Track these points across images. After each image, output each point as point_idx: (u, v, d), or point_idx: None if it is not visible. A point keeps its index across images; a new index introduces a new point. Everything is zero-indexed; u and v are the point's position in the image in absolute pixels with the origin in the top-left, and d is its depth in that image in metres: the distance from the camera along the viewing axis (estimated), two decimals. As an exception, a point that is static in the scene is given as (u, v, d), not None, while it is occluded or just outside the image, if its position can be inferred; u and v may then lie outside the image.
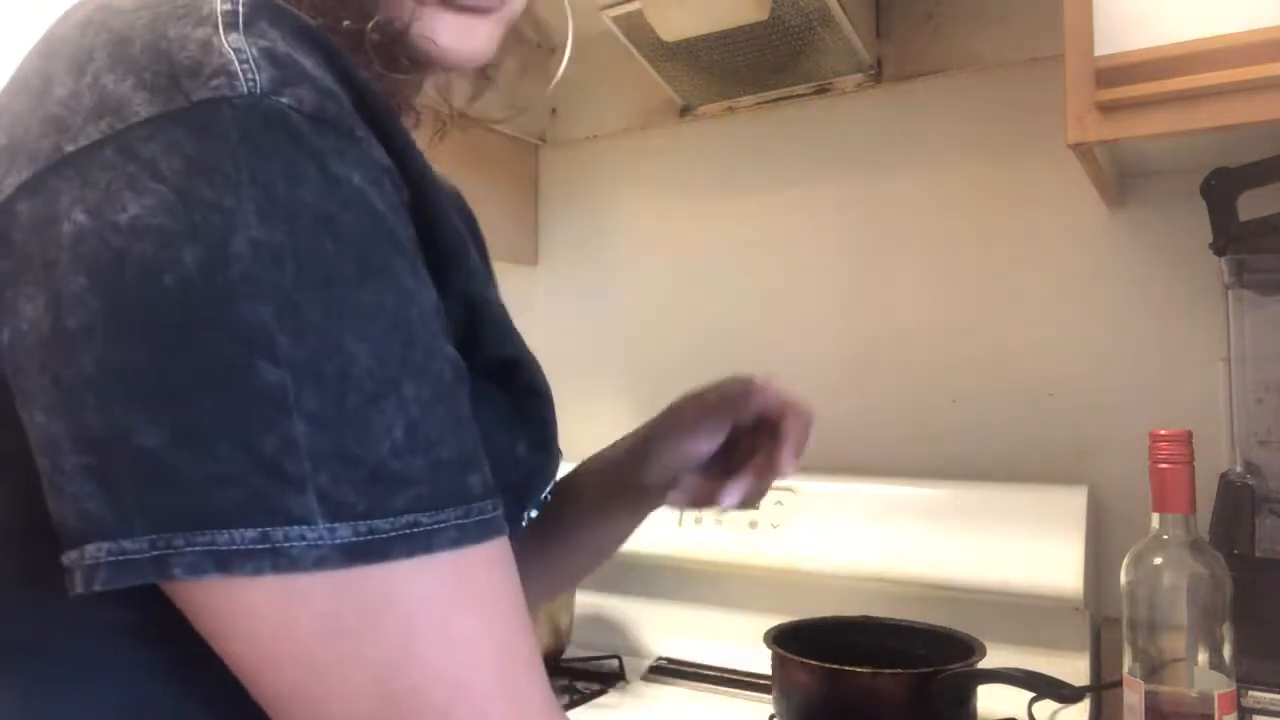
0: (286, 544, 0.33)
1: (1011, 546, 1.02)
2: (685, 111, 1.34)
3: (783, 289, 1.30)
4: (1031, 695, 0.88)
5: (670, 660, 1.18)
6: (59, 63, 0.37)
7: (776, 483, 0.67)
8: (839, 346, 1.25)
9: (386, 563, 0.34)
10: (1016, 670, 0.85)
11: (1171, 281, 1.06)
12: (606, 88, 1.40)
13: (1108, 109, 0.78)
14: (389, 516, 0.34)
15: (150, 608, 0.37)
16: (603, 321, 1.44)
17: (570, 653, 1.19)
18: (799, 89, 1.25)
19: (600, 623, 1.26)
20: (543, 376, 0.51)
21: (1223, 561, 0.72)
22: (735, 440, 0.69)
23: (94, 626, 0.39)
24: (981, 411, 1.16)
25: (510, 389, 0.47)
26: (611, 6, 1.09)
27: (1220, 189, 0.89)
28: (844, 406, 1.24)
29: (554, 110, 1.47)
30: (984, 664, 0.86)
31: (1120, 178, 1.07)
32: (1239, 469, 0.87)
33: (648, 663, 1.18)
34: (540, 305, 1.49)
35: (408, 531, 0.35)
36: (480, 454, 0.38)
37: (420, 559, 0.35)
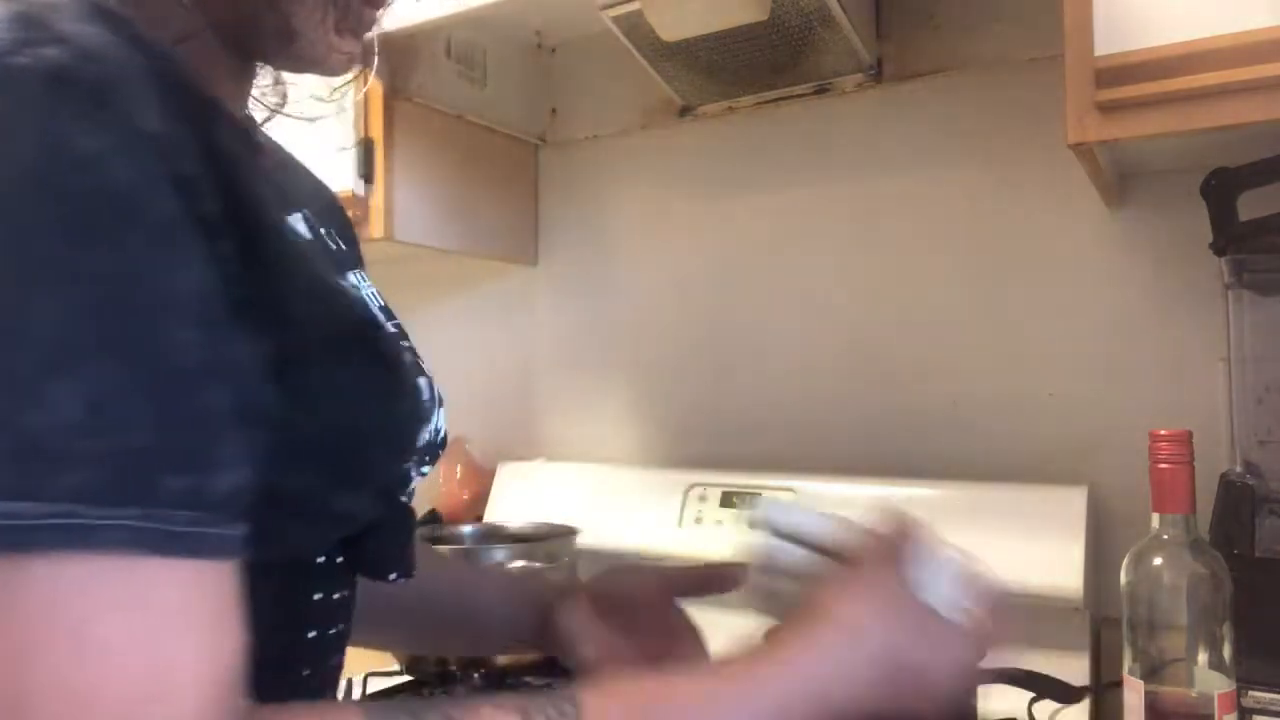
0: None
1: (1011, 546, 1.02)
2: (685, 111, 1.34)
3: (783, 289, 1.30)
4: (1031, 695, 0.87)
5: (670, 660, 1.18)
6: None
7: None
8: (839, 346, 1.25)
9: (26, 554, 0.31)
10: (1016, 670, 0.85)
11: (1171, 281, 1.06)
12: (606, 88, 1.40)
13: (1108, 109, 0.78)
14: (40, 501, 0.31)
15: None
16: (603, 321, 1.44)
17: (570, 653, 1.19)
18: (799, 89, 1.24)
19: (600, 623, 1.25)
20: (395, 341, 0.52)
21: (1223, 561, 0.72)
22: None
23: None
24: (981, 411, 1.16)
25: (374, 355, 0.46)
26: (611, 6, 1.09)
27: (1220, 189, 0.89)
28: (844, 406, 1.24)
29: (554, 110, 1.47)
30: (984, 664, 0.86)
31: (1120, 178, 1.07)
32: (1239, 469, 0.87)
33: (648, 663, 1.18)
34: (540, 305, 1.49)
35: (62, 521, 0.31)
36: (210, 462, 0.34)
37: (73, 555, 0.31)
